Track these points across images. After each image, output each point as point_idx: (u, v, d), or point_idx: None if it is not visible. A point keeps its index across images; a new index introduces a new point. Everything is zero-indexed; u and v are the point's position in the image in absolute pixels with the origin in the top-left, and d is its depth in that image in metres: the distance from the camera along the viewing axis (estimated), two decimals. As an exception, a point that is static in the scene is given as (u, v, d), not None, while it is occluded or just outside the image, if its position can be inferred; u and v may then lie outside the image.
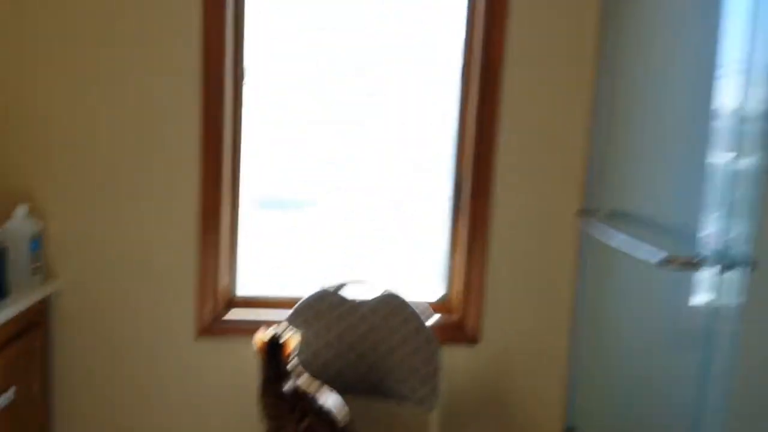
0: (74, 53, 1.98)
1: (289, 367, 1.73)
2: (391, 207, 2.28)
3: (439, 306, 2.14)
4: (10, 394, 1.77)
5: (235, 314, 2.12)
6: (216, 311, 2.09)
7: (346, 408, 1.75)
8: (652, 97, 1.68)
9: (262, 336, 1.74)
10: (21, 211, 1.97)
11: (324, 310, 1.97)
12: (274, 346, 1.71)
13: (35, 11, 1.96)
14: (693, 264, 1.25)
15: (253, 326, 2.00)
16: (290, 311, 1.96)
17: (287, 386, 1.71)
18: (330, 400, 1.74)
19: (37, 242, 1.98)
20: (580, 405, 2.04)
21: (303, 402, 1.71)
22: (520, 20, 1.99)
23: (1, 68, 1.98)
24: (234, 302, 2.15)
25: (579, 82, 2.01)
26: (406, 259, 2.28)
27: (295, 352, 1.75)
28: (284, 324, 1.82)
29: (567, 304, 2.08)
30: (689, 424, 1.36)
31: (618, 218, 1.74)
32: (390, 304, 1.95)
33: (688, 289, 1.39)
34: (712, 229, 1.29)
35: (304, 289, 2.07)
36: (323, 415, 1.70)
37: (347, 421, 1.74)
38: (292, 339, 1.73)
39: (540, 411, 2.13)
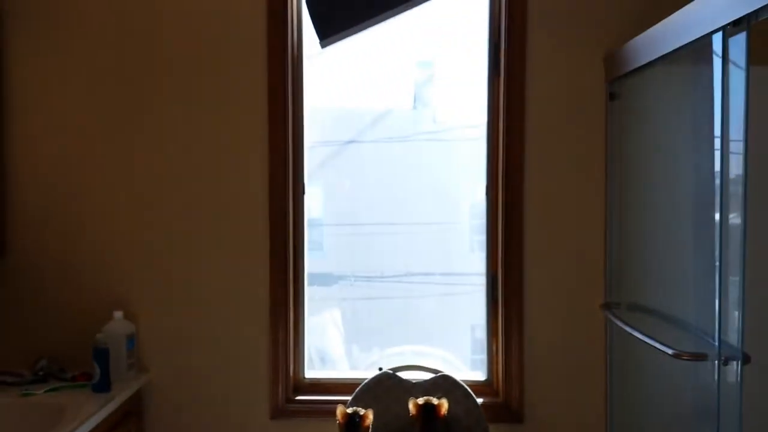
0: (160, 193, 2.35)
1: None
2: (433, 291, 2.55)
3: (483, 387, 2.36)
4: (115, 477, 2.06)
5: (304, 396, 2.38)
6: (287, 395, 2.35)
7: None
8: (656, 200, 1.94)
9: (343, 410, 2.01)
10: (117, 315, 2.29)
11: (382, 392, 2.22)
12: (353, 421, 1.98)
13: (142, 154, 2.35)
14: (698, 357, 1.48)
15: (320, 407, 2.32)
16: (352, 393, 2.22)
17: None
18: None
19: (132, 341, 2.30)
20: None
21: None
22: (536, 135, 2.27)
23: (105, 211, 2.36)
24: (302, 385, 2.41)
25: (593, 185, 2.27)
26: (450, 342, 2.53)
27: (369, 429, 2.01)
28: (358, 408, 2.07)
29: (601, 386, 2.29)
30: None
31: (637, 310, 1.98)
32: (442, 385, 2.19)
33: (700, 374, 1.61)
34: (714, 323, 1.52)
35: (363, 372, 2.34)
36: None
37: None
38: (369, 414, 2.00)
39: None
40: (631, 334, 1.80)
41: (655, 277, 1.97)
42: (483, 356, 2.42)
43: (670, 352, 1.52)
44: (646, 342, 1.67)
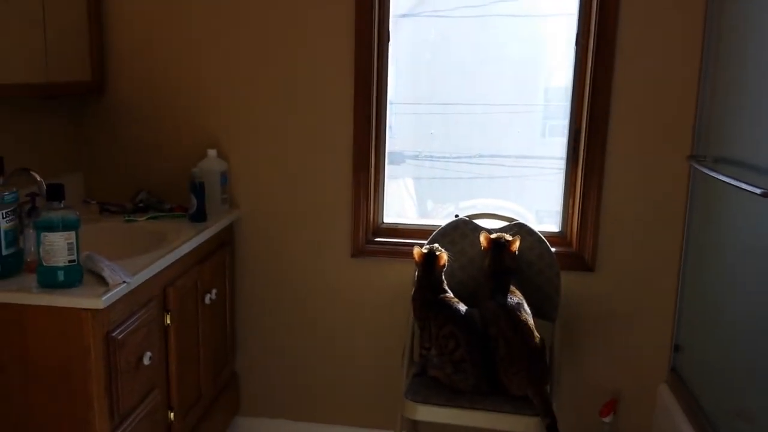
0: (251, 40, 2.42)
1: (440, 277, 2.10)
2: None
3: (558, 239, 2.42)
4: (213, 294, 2.25)
5: (382, 239, 2.50)
6: (367, 236, 2.48)
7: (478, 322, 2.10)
8: (755, 53, 1.87)
9: (420, 250, 2.12)
10: (211, 153, 2.42)
11: (458, 237, 2.31)
12: (430, 258, 2.09)
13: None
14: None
15: (396, 248, 2.45)
16: (429, 238, 2.32)
17: (437, 295, 2.08)
18: (467, 313, 2.09)
19: (225, 178, 2.43)
20: (688, 325, 2.29)
21: (447, 310, 2.07)
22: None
23: (201, 52, 2.44)
24: (381, 229, 2.53)
25: (689, 37, 2.19)
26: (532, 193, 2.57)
27: (445, 267, 2.11)
28: (436, 244, 2.18)
29: (677, 238, 2.31)
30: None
31: (723, 162, 1.96)
32: (517, 232, 2.26)
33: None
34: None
35: (439, 219, 2.43)
36: (463, 324, 2.06)
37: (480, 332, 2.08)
38: (444, 254, 2.10)
39: (650, 330, 2.39)
40: (716, 181, 1.80)
41: (744, 129, 1.93)
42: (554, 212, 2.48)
43: (758, 191, 1.53)
44: (733, 185, 1.67)
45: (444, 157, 2.59)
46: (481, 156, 2.56)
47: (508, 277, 2.12)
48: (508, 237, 2.15)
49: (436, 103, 2.55)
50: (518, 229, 2.28)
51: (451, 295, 2.11)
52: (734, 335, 1.96)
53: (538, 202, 2.54)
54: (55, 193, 1.61)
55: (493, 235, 2.17)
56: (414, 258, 2.15)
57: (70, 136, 2.51)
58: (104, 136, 2.53)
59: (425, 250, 2.13)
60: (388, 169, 2.53)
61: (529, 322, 2.02)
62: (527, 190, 2.56)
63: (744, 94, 1.95)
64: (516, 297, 2.06)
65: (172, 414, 2.00)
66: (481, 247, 2.20)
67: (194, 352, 2.17)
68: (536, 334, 2.02)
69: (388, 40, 2.40)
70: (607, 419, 2.38)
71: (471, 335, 2.03)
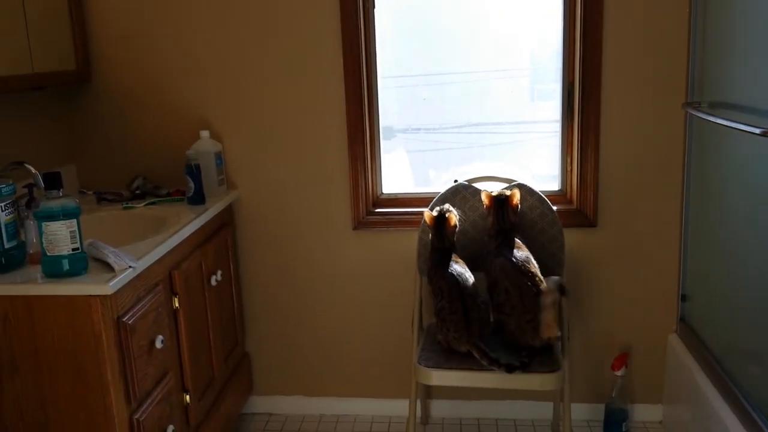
0: (241, 22, 2.38)
1: (452, 238, 2.10)
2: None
3: (558, 197, 2.42)
4: (218, 276, 2.24)
5: (382, 209, 2.50)
6: (367, 208, 2.47)
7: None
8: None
9: (429, 213, 2.12)
10: (204, 134, 2.40)
11: (459, 201, 2.31)
12: (440, 219, 2.09)
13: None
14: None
15: (397, 218, 2.46)
16: (429, 205, 2.30)
17: (446, 257, 2.07)
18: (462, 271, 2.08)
19: (220, 159, 2.41)
20: (693, 274, 2.30)
21: (438, 268, 2.06)
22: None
23: (186, 32, 2.41)
24: (380, 200, 2.52)
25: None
26: (525, 158, 2.56)
27: (457, 228, 2.11)
28: (447, 205, 2.17)
29: (677, 188, 2.32)
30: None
31: (719, 107, 1.96)
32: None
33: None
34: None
35: (438, 186, 2.42)
36: (444, 277, 2.03)
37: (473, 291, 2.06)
38: (454, 215, 2.10)
39: (656, 281, 2.40)
40: (714, 125, 1.79)
41: (738, 73, 1.92)
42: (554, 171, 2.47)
43: (758, 131, 1.52)
44: (731, 127, 1.67)
45: (435, 129, 2.57)
46: (471, 125, 2.54)
47: (513, 233, 2.12)
48: (507, 192, 2.15)
49: (423, 74, 2.52)
50: (518, 189, 2.26)
51: (457, 258, 2.11)
52: (740, 280, 1.97)
53: (534, 167, 2.53)
54: (53, 181, 1.59)
55: (494, 193, 2.17)
56: (426, 221, 2.15)
57: (61, 128, 2.48)
58: (95, 125, 2.51)
59: (435, 213, 2.12)
60: (382, 144, 2.52)
61: (537, 274, 2.02)
62: (522, 156, 2.55)
63: (735, 38, 1.94)
64: (523, 251, 2.05)
65: (187, 396, 2.01)
66: (483, 206, 2.20)
67: (204, 333, 2.18)
68: (545, 284, 2.01)
69: (374, 6, 2.37)
70: (619, 372, 2.39)
71: (452, 287, 1.99)
